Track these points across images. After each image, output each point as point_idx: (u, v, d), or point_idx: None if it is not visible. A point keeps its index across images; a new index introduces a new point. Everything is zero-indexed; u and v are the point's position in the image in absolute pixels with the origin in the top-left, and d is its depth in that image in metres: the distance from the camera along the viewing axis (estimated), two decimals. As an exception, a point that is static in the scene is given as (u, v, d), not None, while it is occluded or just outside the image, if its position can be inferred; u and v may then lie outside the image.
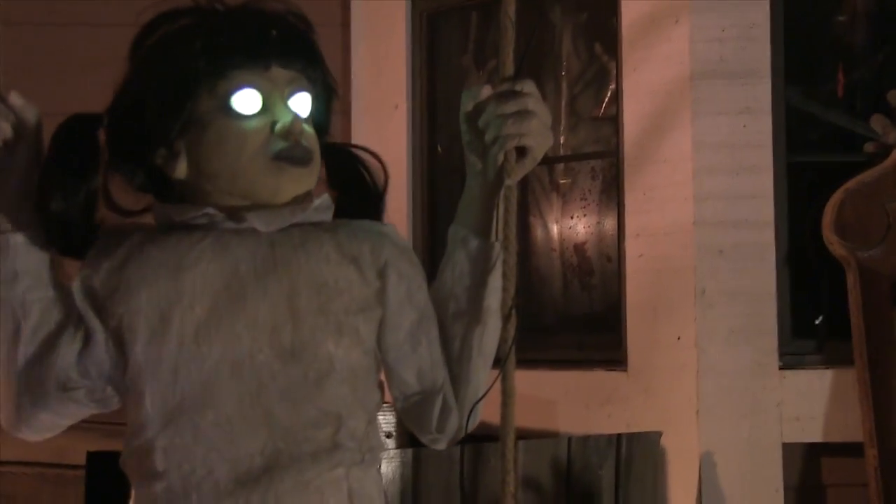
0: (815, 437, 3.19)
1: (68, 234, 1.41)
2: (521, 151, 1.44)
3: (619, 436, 3.06)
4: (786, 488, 3.17)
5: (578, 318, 3.56)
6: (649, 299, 3.24)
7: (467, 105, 1.45)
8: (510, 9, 1.48)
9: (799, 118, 3.31)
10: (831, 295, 3.26)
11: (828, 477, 3.24)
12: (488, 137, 1.43)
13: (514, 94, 1.43)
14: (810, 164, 3.33)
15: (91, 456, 2.72)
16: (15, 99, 1.41)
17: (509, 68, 1.46)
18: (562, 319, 3.60)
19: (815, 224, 3.19)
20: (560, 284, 3.63)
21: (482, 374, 1.47)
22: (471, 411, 1.47)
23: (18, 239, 1.41)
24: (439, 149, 3.85)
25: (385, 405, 1.54)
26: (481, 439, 2.94)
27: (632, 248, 3.28)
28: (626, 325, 3.29)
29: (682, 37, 3.18)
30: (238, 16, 1.43)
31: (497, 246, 1.46)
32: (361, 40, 3.88)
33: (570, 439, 2.99)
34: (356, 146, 1.53)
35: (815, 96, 3.39)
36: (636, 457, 3.06)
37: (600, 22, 3.50)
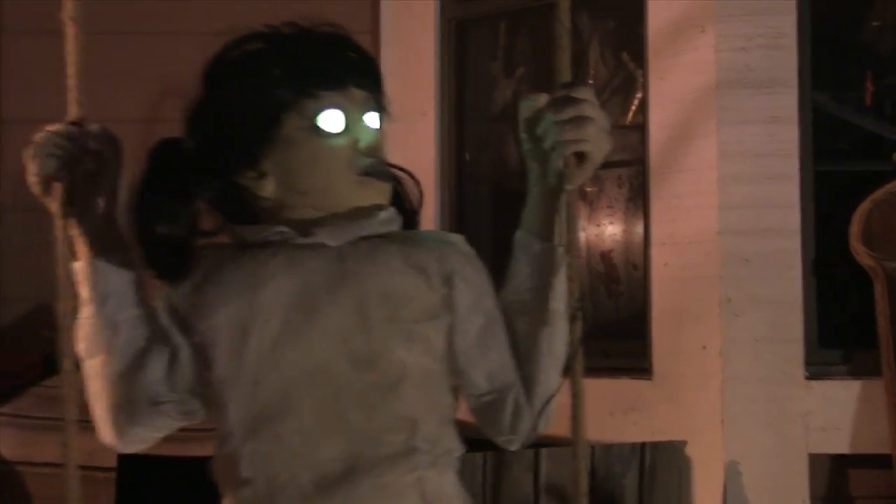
0: (842, 448, 3.17)
1: (170, 260, 1.48)
2: (581, 157, 1.47)
3: (643, 444, 3.06)
4: (812, 499, 3.16)
5: (604, 326, 3.57)
6: (675, 307, 3.24)
7: (526, 113, 1.49)
8: (564, 16, 1.50)
9: (826, 127, 3.30)
10: (858, 304, 3.25)
11: (855, 489, 3.22)
12: (547, 144, 1.46)
13: (571, 101, 1.46)
14: (837, 173, 3.32)
15: (122, 458, 2.74)
16: (97, 130, 1.47)
17: (565, 75, 1.49)
18: (588, 326, 3.60)
19: (841, 233, 3.18)
20: (587, 292, 3.63)
21: (552, 375, 1.51)
22: (541, 411, 1.51)
23: (106, 262, 1.48)
24: (467, 156, 3.86)
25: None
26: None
27: (657, 257, 3.28)
28: (651, 333, 3.29)
29: (708, 45, 3.18)
30: (315, 40, 1.49)
31: (560, 249, 1.49)
32: (390, 47, 3.89)
33: (593, 448, 2.99)
34: (396, 166, 1.57)
35: (844, 104, 3.38)
36: (660, 466, 3.06)
37: (627, 30, 3.50)
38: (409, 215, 1.56)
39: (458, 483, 1.50)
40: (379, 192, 1.49)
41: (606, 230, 3.57)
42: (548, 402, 1.51)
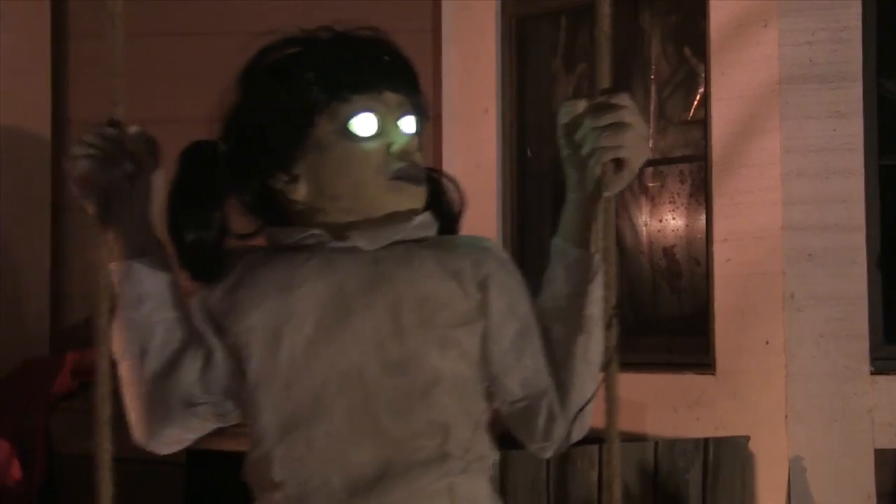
0: (909, 443, 3.16)
1: (203, 261, 1.48)
2: (619, 163, 1.45)
3: (706, 440, 3.06)
4: (878, 495, 3.14)
5: (667, 321, 3.56)
6: (738, 303, 3.23)
7: (564, 119, 1.47)
8: (605, 23, 1.50)
9: (891, 121, 3.28)
10: (924, 299, 3.22)
11: (921, 484, 3.20)
12: (585, 150, 1.45)
13: (609, 107, 1.45)
14: (902, 167, 3.29)
15: (190, 455, 2.78)
16: (135, 132, 1.47)
17: (605, 81, 1.48)
18: (651, 322, 3.60)
19: (907, 228, 3.16)
20: (649, 287, 3.63)
21: (587, 382, 1.49)
22: (575, 418, 1.48)
23: (142, 264, 1.48)
24: (529, 152, 3.87)
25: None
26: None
27: (720, 252, 3.28)
28: (714, 329, 3.28)
29: (772, 40, 3.16)
30: (349, 44, 1.49)
31: (596, 257, 1.48)
32: (451, 45, 3.91)
33: (656, 443, 2.99)
34: (437, 171, 1.57)
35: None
36: (724, 461, 3.06)
37: (689, 25, 3.50)
38: (450, 220, 1.54)
39: (490, 490, 1.49)
40: (410, 197, 1.48)
41: (669, 225, 3.57)
42: (582, 409, 1.48)
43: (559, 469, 2.85)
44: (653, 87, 3.63)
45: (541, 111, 3.87)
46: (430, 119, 1.53)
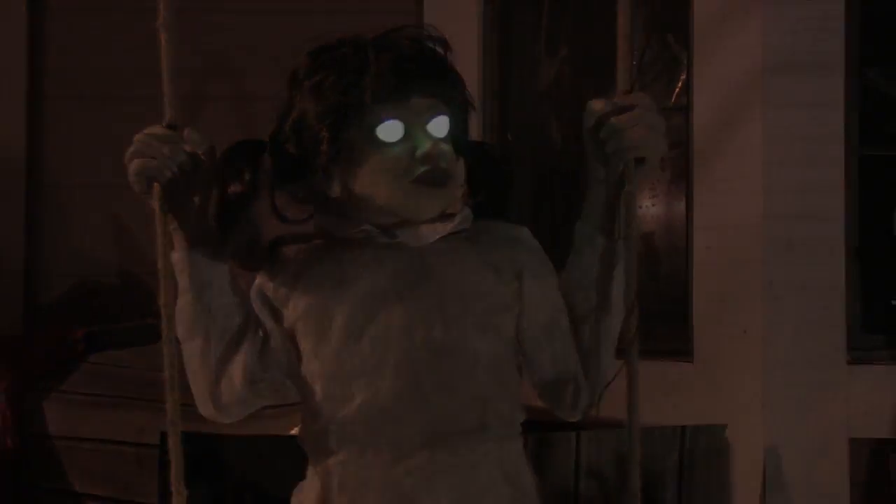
0: (884, 432, 3.16)
1: (250, 256, 1.63)
2: (640, 160, 1.59)
3: (683, 428, 3.06)
4: (852, 484, 3.15)
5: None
6: (717, 291, 3.23)
7: (589, 119, 1.59)
8: (626, 25, 1.62)
9: (873, 111, 3.28)
10: (902, 290, 3.23)
11: (896, 473, 3.22)
12: (609, 149, 1.58)
13: (631, 108, 1.57)
14: (883, 157, 3.30)
15: (165, 436, 2.78)
16: (190, 135, 1.60)
17: (626, 83, 1.60)
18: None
19: (886, 218, 3.16)
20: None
21: (610, 357, 1.66)
22: (601, 392, 1.67)
23: (201, 254, 1.62)
24: (509, 137, 3.86)
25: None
26: (545, 428, 2.96)
27: (700, 240, 3.28)
28: (693, 317, 3.29)
29: (755, 29, 3.16)
30: (381, 52, 1.58)
31: (621, 244, 1.62)
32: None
33: (634, 430, 2.99)
34: (485, 144, 1.70)
35: (892, 87, 3.35)
36: (700, 449, 3.06)
37: (673, 12, 3.49)
38: (496, 194, 1.67)
39: (523, 453, 1.66)
40: (433, 199, 1.60)
41: (649, 212, 3.57)
42: (607, 383, 1.65)
43: (536, 456, 2.85)
44: (635, 74, 3.62)
45: (523, 96, 3.86)
46: (473, 109, 1.64)
